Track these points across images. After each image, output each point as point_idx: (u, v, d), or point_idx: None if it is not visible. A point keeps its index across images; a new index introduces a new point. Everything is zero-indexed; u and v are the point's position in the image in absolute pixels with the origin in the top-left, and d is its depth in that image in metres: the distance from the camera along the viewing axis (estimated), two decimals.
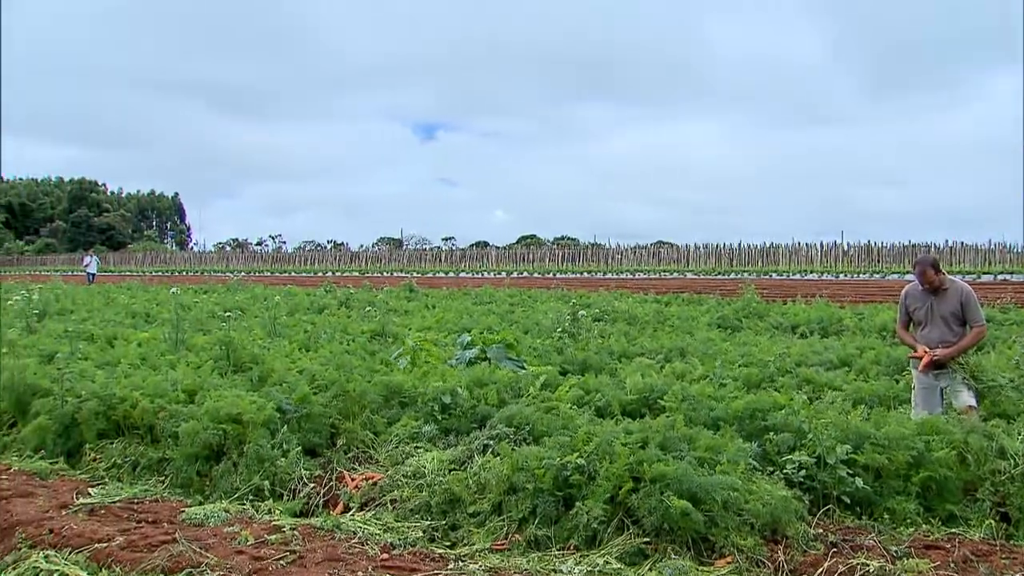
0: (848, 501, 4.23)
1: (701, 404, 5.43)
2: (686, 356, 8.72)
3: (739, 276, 38.79)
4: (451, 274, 56.64)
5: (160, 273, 60.88)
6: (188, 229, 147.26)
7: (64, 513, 4.49)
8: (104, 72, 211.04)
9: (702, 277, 43.83)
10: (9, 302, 13.91)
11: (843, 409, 5.40)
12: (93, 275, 37.96)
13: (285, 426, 5.28)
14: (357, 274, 56.12)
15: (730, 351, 8.94)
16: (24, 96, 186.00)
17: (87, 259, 40.27)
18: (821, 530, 3.96)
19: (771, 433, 4.73)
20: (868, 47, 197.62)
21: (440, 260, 67.75)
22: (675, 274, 48.81)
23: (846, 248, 48.30)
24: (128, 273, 61.57)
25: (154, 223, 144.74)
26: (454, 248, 76.91)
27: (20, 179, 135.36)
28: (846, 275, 43.74)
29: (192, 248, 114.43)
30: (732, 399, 5.50)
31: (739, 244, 52.97)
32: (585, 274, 52.38)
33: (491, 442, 4.91)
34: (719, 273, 47.88)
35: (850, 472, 4.28)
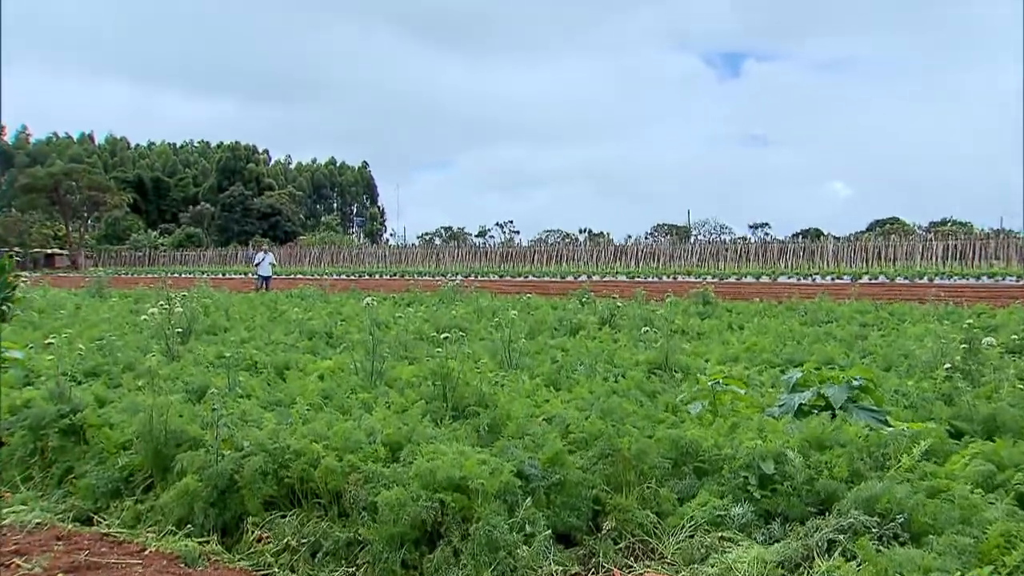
0: None
1: None
2: None
3: None
4: (764, 278, 56.07)
5: (344, 275, 64.83)
6: (381, 213, 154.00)
7: None
8: None
9: None
10: (143, 316, 14.36)
11: None
12: (268, 279, 38.93)
13: (528, 498, 5.36)
14: (624, 278, 57.17)
15: None
16: (158, 35, 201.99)
17: (259, 256, 40.70)
18: None
19: None
20: None
21: (748, 258, 67.52)
22: None
23: None
24: (300, 275, 66.57)
25: (335, 205, 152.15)
26: (769, 239, 76.14)
27: (153, 144, 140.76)
28: None
29: (388, 240, 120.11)
30: None
31: None
32: (983, 278, 49.47)
33: (840, 536, 4.76)
34: None
35: None
